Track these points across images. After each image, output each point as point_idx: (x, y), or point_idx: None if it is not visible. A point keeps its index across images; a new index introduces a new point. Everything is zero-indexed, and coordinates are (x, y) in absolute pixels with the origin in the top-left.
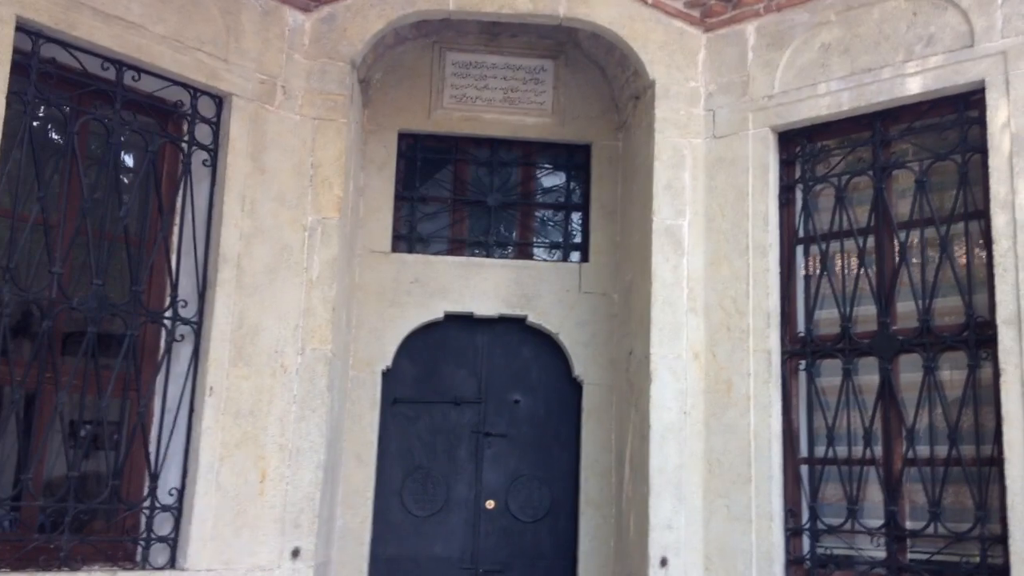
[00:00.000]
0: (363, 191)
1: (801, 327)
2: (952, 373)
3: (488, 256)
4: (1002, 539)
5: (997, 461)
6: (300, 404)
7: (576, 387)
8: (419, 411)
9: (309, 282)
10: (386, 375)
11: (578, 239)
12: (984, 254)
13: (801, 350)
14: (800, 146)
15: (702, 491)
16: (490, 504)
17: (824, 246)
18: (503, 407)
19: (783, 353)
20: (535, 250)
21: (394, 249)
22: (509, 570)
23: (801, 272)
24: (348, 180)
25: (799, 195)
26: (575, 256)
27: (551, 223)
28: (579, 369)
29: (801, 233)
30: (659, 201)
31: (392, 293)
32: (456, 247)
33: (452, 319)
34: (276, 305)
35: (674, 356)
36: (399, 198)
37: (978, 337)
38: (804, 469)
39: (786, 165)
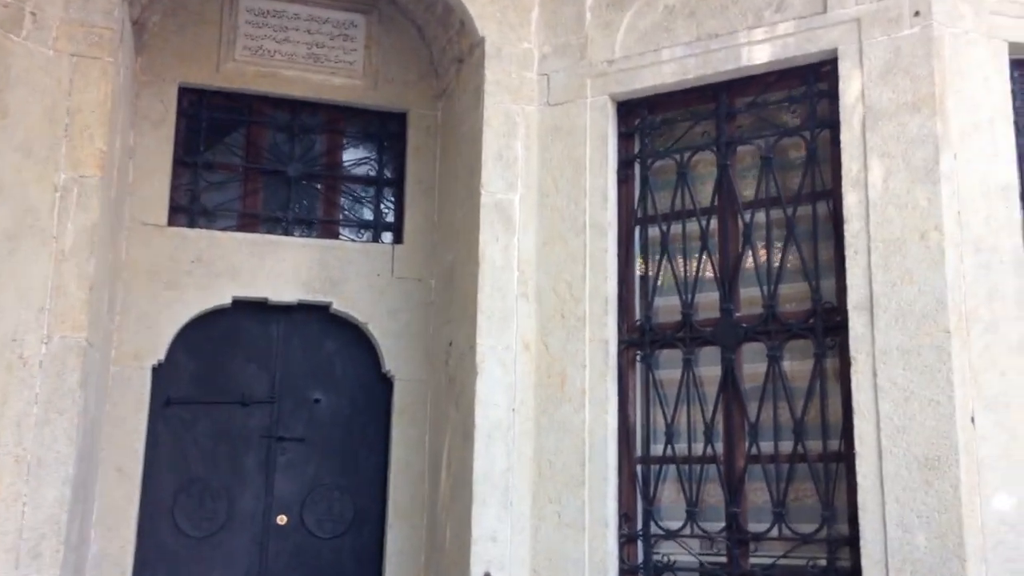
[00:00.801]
0: (133, 152)
1: (639, 315)
2: (798, 363)
3: (287, 234)
4: (851, 540)
5: (844, 457)
6: (44, 405)
7: (387, 383)
8: (198, 413)
9: (60, 254)
10: (158, 371)
11: (391, 218)
12: (832, 236)
13: (639, 340)
14: (640, 117)
15: (531, 497)
16: (282, 519)
17: (665, 227)
18: (301, 407)
19: (620, 343)
20: (342, 229)
21: (172, 222)
22: None
23: (640, 255)
24: (114, 135)
25: (638, 171)
26: (387, 237)
27: (361, 199)
28: (390, 363)
29: (640, 212)
30: (489, 172)
31: (168, 273)
32: (248, 222)
33: (242, 306)
34: (15, 281)
35: (503, 347)
36: (179, 163)
37: (825, 324)
38: (640, 469)
39: (625, 138)
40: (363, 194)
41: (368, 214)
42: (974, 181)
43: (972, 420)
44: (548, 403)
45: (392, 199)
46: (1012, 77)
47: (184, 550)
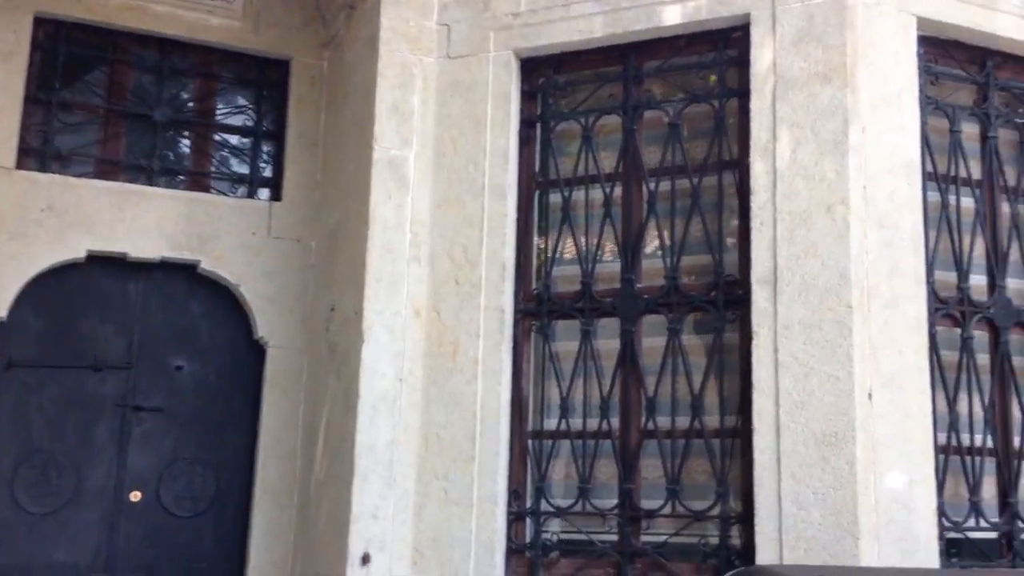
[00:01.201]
0: None
1: (537, 283)
2: (698, 337)
3: (151, 184)
4: (744, 518)
5: (741, 433)
6: None
7: (258, 351)
8: (44, 378)
9: None
10: None
11: (269, 173)
12: (738, 208)
13: (536, 309)
14: (545, 76)
15: (416, 472)
16: (135, 496)
17: (567, 192)
18: (161, 374)
19: (516, 312)
20: (214, 182)
21: (20, 165)
22: (156, 575)
23: (540, 221)
24: None
25: (541, 132)
26: (264, 193)
27: (236, 151)
28: (263, 329)
29: (542, 176)
30: (382, 126)
31: (14, 222)
32: (108, 170)
33: (98, 261)
34: None
35: (392, 312)
36: (31, 100)
37: (727, 298)
38: (533, 444)
39: (529, 97)
40: (239, 146)
41: (243, 168)
42: (881, 156)
43: (869, 397)
44: (438, 373)
45: (271, 154)
46: (918, 53)
47: (24, 527)
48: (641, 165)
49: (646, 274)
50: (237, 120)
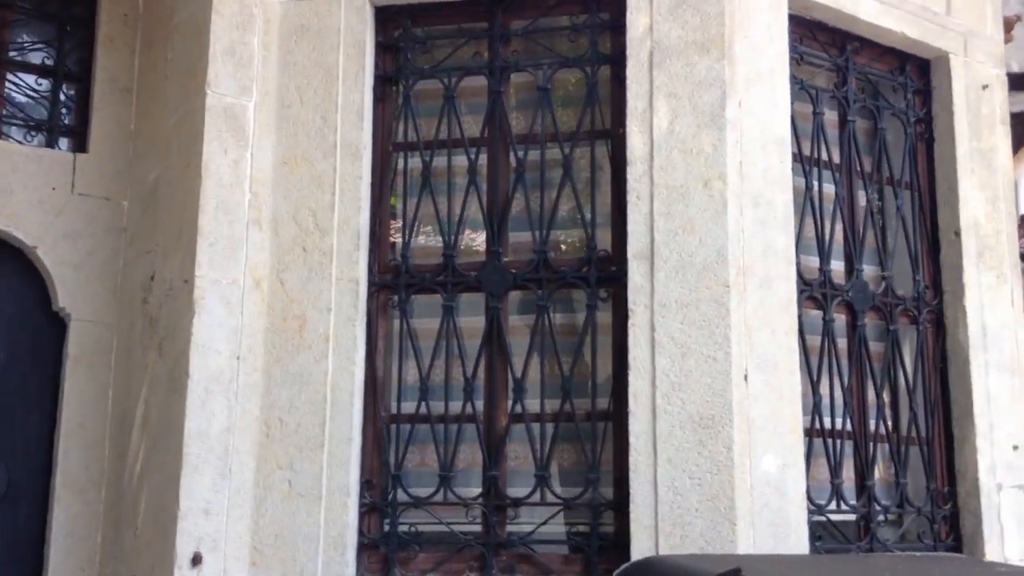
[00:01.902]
0: None
1: (394, 254)
2: (569, 315)
3: None
4: (617, 504)
5: (614, 416)
6: None
7: (59, 325)
8: None
9: None
10: None
11: (72, 121)
12: (611, 180)
13: (393, 282)
14: (403, 28)
15: (255, 462)
16: None
17: (428, 156)
18: None
19: (371, 285)
20: (4, 127)
21: None
22: None
23: (398, 186)
24: None
25: (399, 90)
26: (65, 144)
27: (31, 93)
28: (65, 300)
29: (400, 137)
30: (217, 70)
31: None
32: None
33: None
34: None
35: (229, 281)
36: None
37: (600, 274)
38: (389, 431)
39: (385, 49)
40: (35, 87)
41: (41, 113)
42: (755, 132)
43: (745, 378)
44: (283, 351)
45: (73, 98)
46: (789, 30)
47: None
48: (508, 131)
49: (513, 248)
50: (34, 57)
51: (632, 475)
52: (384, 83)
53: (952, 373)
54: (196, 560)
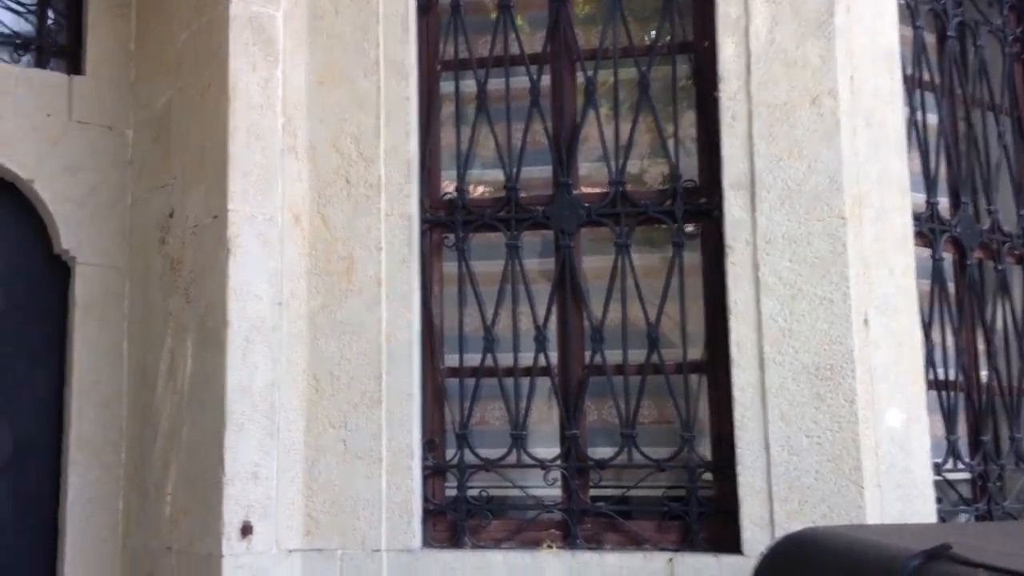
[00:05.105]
0: None
1: (449, 187)
2: (651, 254)
3: None
4: (718, 466)
5: (708, 367)
6: None
7: (62, 269)
8: None
9: None
10: None
11: (63, 39)
12: (696, 101)
13: (448, 219)
14: None
15: (305, 420)
16: None
17: (482, 76)
18: None
19: (423, 223)
20: None
21: None
22: None
23: (449, 110)
24: None
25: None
26: (57, 64)
27: (14, 6)
28: (69, 241)
29: (450, 54)
30: None
31: None
32: None
33: None
34: None
35: (265, 217)
36: None
37: (687, 207)
38: (452, 385)
39: None
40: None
41: (28, 27)
42: (864, 42)
43: (866, 323)
44: (329, 296)
45: (64, 13)
46: None
47: None
48: (574, 46)
49: (585, 180)
50: None
51: (738, 433)
52: None
53: None
54: (246, 530)
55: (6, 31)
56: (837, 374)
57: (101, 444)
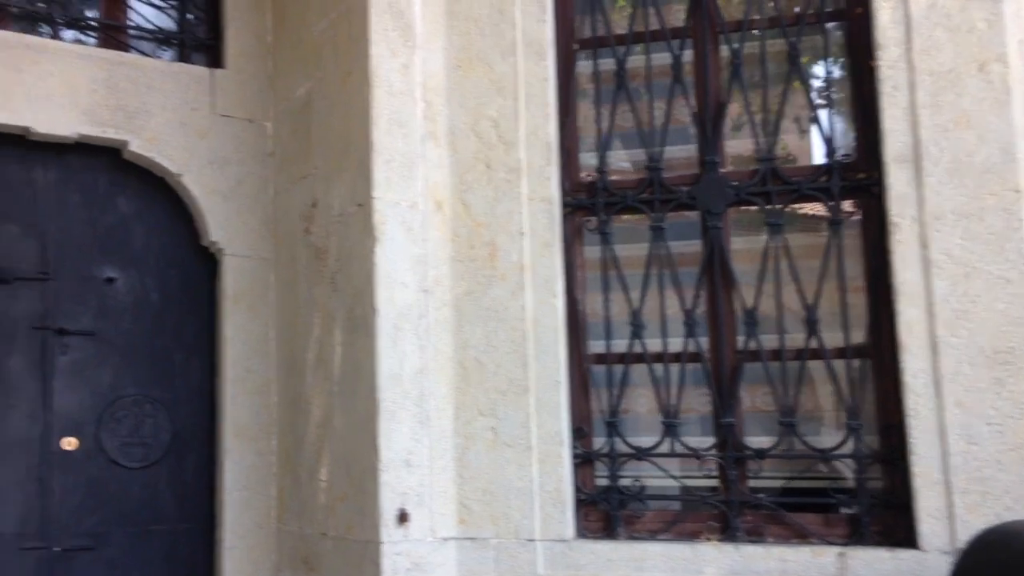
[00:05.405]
0: None
1: (588, 168)
2: (804, 234)
3: (55, 37)
4: (887, 456)
5: (873, 352)
6: None
7: (210, 261)
8: None
9: None
10: None
11: (203, 32)
12: (850, 70)
13: (589, 201)
14: None
15: (453, 408)
16: (70, 443)
17: (622, 53)
18: (87, 288)
19: (564, 206)
20: (136, 42)
21: None
22: (107, 544)
23: (588, 88)
24: None
25: None
26: (200, 58)
27: (156, 1)
28: (217, 233)
29: (588, 31)
30: None
31: None
32: None
33: None
34: None
35: (408, 204)
36: None
37: (844, 183)
38: (599, 372)
39: None
40: None
41: (169, 22)
42: None
43: None
44: (473, 283)
45: (202, 6)
46: None
47: None
48: (718, 18)
49: (732, 158)
50: None
51: (912, 421)
52: None
53: None
54: (403, 517)
55: (149, 26)
56: (1018, 357)
57: (254, 432)
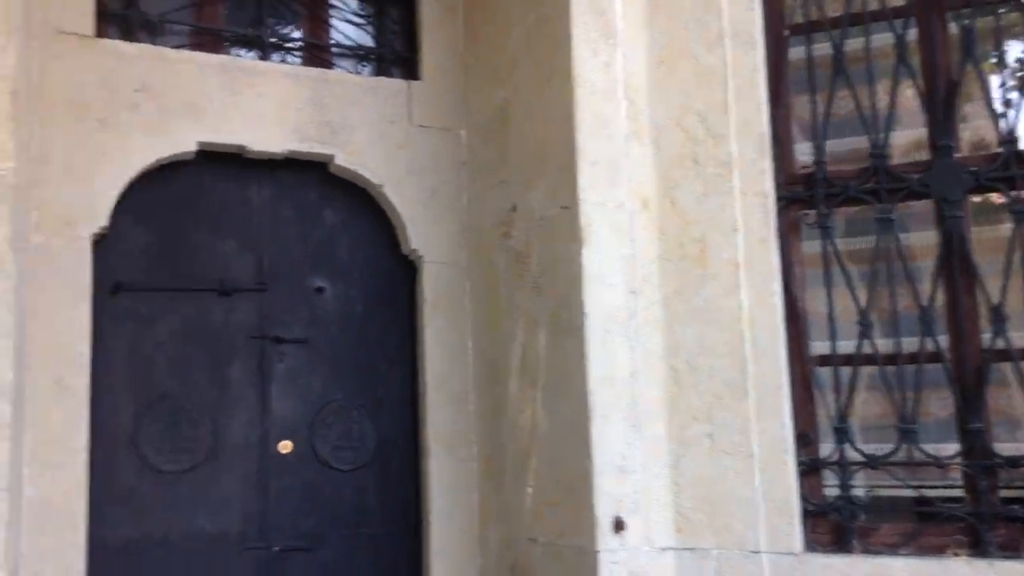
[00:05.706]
0: None
1: (805, 159)
2: None
3: (264, 59)
4: None
5: None
6: None
7: (408, 268)
8: (161, 305)
9: None
10: (100, 245)
11: (399, 46)
12: None
13: (806, 194)
14: None
15: (666, 412)
16: (286, 447)
17: (838, 37)
18: (299, 299)
19: (779, 199)
20: (337, 59)
21: (101, 33)
22: (321, 545)
23: (801, 76)
24: None
25: None
26: (397, 72)
27: (354, 18)
28: (417, 241)
29: (799, 16)
30: None
31: (102, 106)
32: (207, 40)
33: (210, 157)
34: None
35: (614, 205)
36: None
37: None
38: (823, 374)
39: None
40: (358, 11)
41: (367, 38)
42: None
43: None
44: (683, 282)
45: (397, 20)
46: None
47: (156, 491)
48: None
49: (968, 142)
50: None
51: None
52: None
53: None
54: (619, 525)
55: (350, 43)
56: None
57: (454, 438)
